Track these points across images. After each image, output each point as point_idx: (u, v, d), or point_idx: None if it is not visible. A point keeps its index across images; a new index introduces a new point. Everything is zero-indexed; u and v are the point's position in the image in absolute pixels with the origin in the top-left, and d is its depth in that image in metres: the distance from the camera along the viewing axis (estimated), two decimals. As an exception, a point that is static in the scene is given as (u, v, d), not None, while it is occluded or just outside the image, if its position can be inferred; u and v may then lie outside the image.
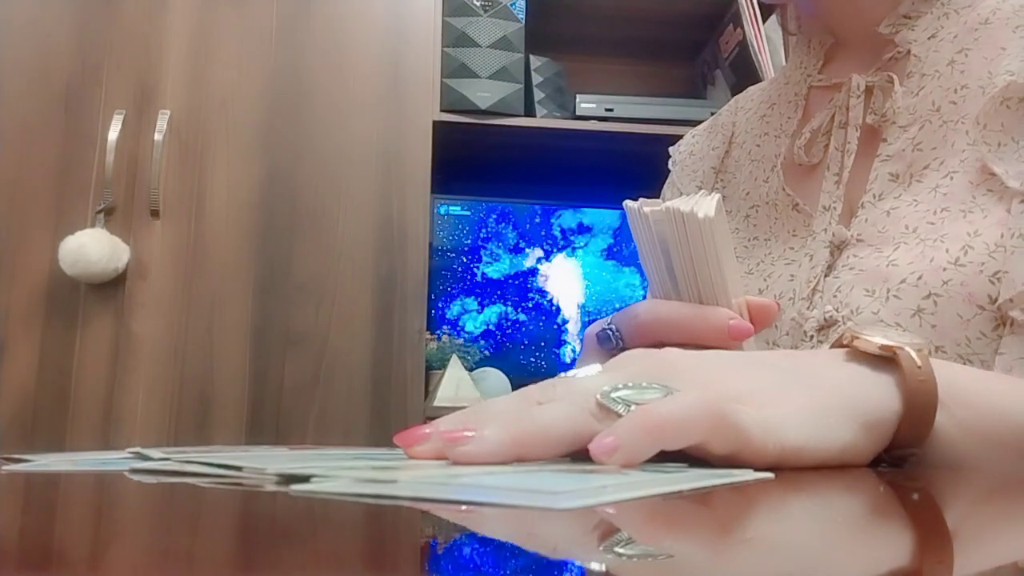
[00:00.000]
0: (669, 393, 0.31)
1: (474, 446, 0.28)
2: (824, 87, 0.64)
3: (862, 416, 0.34)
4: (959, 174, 0.52)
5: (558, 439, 0.29)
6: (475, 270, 1.74)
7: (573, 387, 0.32)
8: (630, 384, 0.31)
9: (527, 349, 1.73)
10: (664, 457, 0.30)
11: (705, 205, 0.42)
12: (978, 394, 0.37)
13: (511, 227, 1.77)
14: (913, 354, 0.35)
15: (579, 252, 1.78)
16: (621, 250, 1.78)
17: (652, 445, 0.28)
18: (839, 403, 0.34)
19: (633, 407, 0.30)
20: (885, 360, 0.36)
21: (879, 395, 0.35)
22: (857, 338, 0.36)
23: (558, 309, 1.75)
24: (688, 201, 0.43)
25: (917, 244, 0.51)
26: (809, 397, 0.34)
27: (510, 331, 1.73)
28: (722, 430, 0.30)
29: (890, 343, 0.35)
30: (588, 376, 0.33)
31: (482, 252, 1.75)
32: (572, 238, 1.79)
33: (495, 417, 0.30)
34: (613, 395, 0.30)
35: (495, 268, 1.75)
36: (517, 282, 1.75)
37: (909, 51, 0.58)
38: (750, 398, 0.32)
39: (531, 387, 0.33)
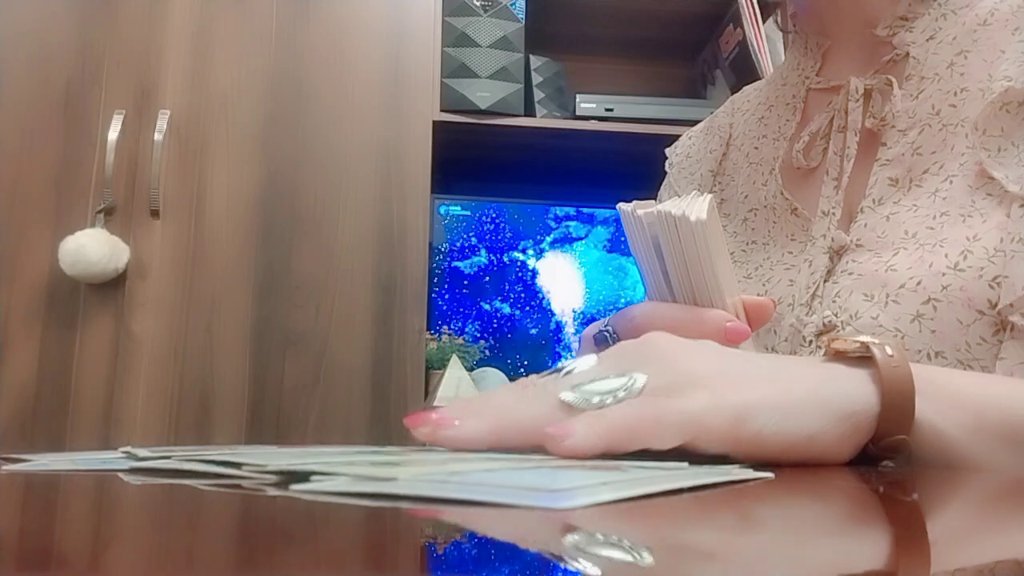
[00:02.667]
0: (630, 381, 0.33)
1: (455, 432, 0.33)
2: (822, 89, 0.63)
3: (833, 407, 0.35)
4: (958, 178, 0.52)
5: (531, 431, 0.32)
6: (475, 270, 1.74)
7: (549, 386, 0.35)
8: (598, 377, 0.34)
9: (527, 349, 1.73)
10: (664, 455, 0.31)
11: (697, 207, 0.42)
12: (958, 386, 0.38)
13: (511, 227, 1.77)
14: (887, 347, 0.36)
15: (579, 252, 1.78)
16: (622, 248, 1.78)
17: (599, 445, 0.31)
18: (807, 394, 0.35)
19: (595, 398, 0.33)
20: (862, 358, 0.37)
21: (853, 388, 0.36)
22: (836, 340, 0.38)
23: (558, 308, 1.75)
24: (680, 203, 0.43)
25: (916, 249, 0.51)
26: (775, 387, 0.35)
27: (510, 331, 1.73)
28: (666, 430, 0.32)
29: (867, 340, 0.37)
30: (573, 372, 0.36)
31: (482, 252, 1.75)
32: (572, 238, 1.79)
33: (482, 410, 0.34)
34: (576, 391, 0.33)
35: (495, 268, 1.75)
36: (517, 282, 1.75)
37: (907, 53, 0.58)
38: (713, 383, 0.34)
39: (530, 378, 0.37)
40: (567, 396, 0.33)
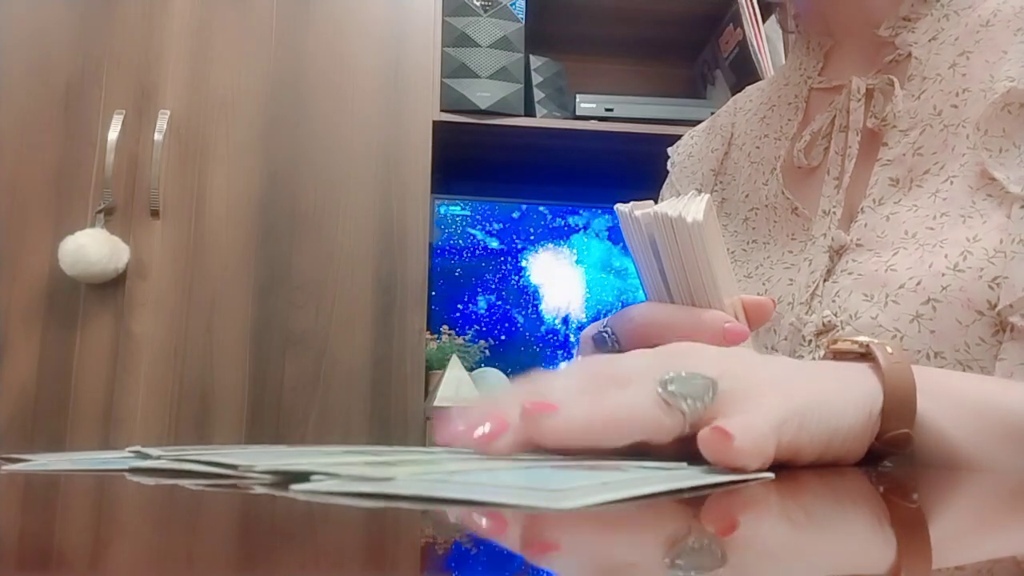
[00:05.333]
0: (712, 384, 0.31)
1: (559, 421, 0.28)
2: (824, 89, 0.63)
3: (853, 404, 0.35)
4: (959, 179, 0.52)
5: (629, 428, 0.30)
6: (475, 270, 1.74)
7: (640, 373, 0.32)
8: (682, 375, 0.31)
9: (527, 349, 1.73)
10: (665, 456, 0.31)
11: (694, 208, 0.42)
12: (958, 385, 0.39)
13: (511, 227, 1.77)
14: (887, 347, 0.37)
15: (579, 252, 1.78)
16: (622, 248, 1.78)
17: (761, 462, 0.29)
18: (832, 395, 0.35)
19: (690, 401, 0.30)
20: (863, 356, 0.37)
21: (862, 383, 0.36)
22: (836, 342, 0.39)
23: (558, 308, 1.75)
24: (677, 204, 0.43)
25: (916, 249, 0.51)
26: (816, 385, 0.35)
27: (510, 331, 1.73)
28: (760, 450, 0.30)
29: (866, 340, 0.37)
30: (643, 363, 0.33)
31: (482, 252, 1.75)
32: (572, 237, 1.79)
33: (572, 394, 0.31)
34: (671, 388, 0.31)
35: (495, 268, 1.75)
36: (517, 282, 1.75)
37: (910, 53, 0.58)
38: (780, 387, 0.33)
39: (596, 362, 0.34)
40: (663, 392, 0.30)
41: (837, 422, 0.34)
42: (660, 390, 0.30)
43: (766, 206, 0.63)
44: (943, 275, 0.48)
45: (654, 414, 0.30)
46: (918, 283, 0.49)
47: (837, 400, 0.35)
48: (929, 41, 0.57)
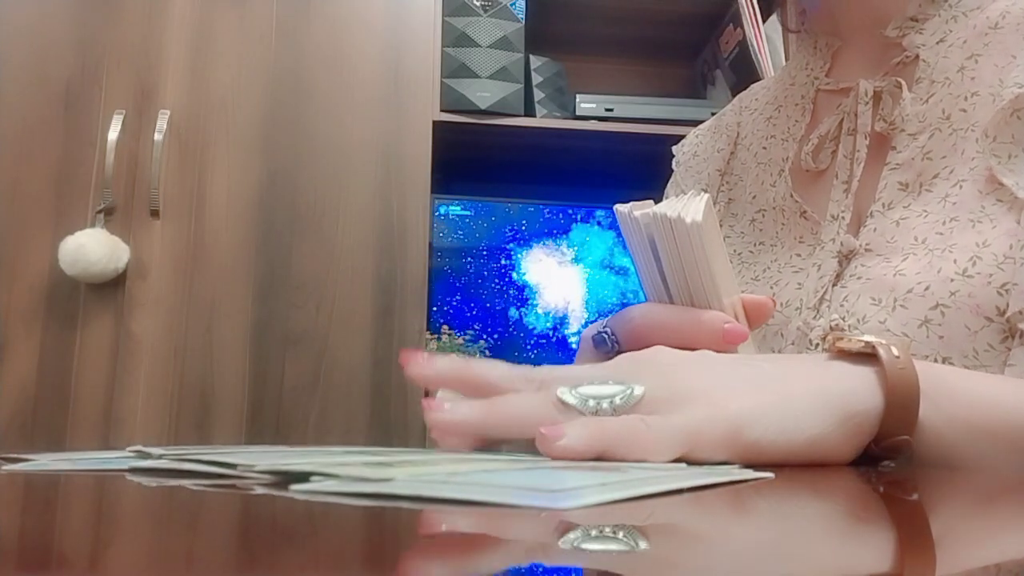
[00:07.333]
0: (627, 390, 0.34)
1: (446, 415, 0.34)
2: (831, 91, 0.63)
3: (836, 408, 0.35)
4: (968, 183, 0.52)
5: (522, 424, 0.34)
6: (475, 270, 1.74)
7: (547, 383, 0.36)
8: (595, 381, 0.35)
9: (527, 349, 1.73)
10: None
11: (693, 208, 0.42)
12: (964, 387, 0.38)
13: (511, 227, 1.77)
14: (893, 348, 0.36)
15: (580, 252, 1.78)
16: (623, 248, 1.78)
17: (589, 450, 0.31)
18: (808, 397, 0.35)
19: (590, 401, 0.34)
20: (868, 357, 0.37)
21: (858, 388, 0.36)
22: (841, 339, 0.38)
23: (558, 308, 1.75)
24: (676, 204, 0.42)
25: (925, 254, 0.51)
26: (775, 393, 0.35)
27: (510, 331, 1.73)
28: (661, 443, 0.32)
29: (872, 340, 0.37)
30: (573, 371, 0.37)
31: (482, 252, 1.75)
32: (572, 237, 1.79)
33: (475, 394, 0.36)
34: (573, 392, 0.34)
35: (495, 268, 1.75)
36: (516, 281, 1.75)
37: (917, 56, 0.58)
38: (710, 395, 0.34)
39: (538, 369, 0.38)
40: (564, 395, 0.34)
41: (799, 427, 0.34)
42: (561, 392, 0.34)
43: (774, 208, 0.63)
44: (952, 280, 0.48)
45: (546, 413, 0.34)
46: (927, 288, 0.49)
47: (797, 406, 0.35)
48: (937, 43, 0.57)
